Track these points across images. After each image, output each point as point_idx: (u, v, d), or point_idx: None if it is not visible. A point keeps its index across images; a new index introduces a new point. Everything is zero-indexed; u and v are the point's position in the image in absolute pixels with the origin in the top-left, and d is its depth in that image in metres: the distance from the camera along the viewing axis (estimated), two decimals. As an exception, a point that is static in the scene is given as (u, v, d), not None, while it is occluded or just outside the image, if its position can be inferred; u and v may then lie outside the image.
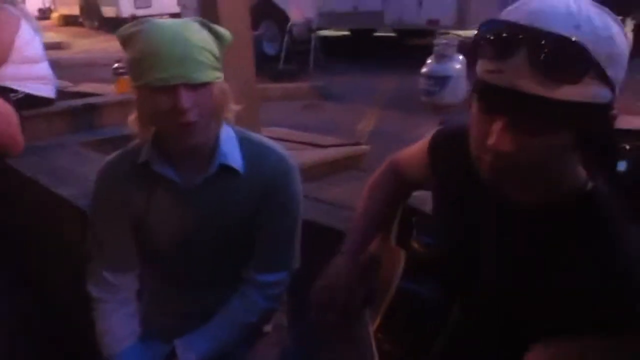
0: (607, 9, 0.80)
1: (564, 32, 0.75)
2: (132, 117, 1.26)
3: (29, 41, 3.16)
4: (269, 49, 8.89)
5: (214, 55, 1.18)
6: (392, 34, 9.39)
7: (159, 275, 1.43)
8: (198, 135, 1.20)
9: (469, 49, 0.83)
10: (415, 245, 1.20)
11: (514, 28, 0.78)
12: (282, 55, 8.24)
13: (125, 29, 1.20)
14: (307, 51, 8.05)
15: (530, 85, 0.76)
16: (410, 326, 1.08)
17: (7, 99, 2.92)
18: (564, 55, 0.75)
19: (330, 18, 8.43)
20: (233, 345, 1.36)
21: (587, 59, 0.75)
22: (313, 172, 2.26)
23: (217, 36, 1.21)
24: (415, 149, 1.23)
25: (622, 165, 1.24)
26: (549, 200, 0.88)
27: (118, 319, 1.38)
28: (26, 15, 3.22)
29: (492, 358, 0.92)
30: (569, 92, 0.76)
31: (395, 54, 8.52)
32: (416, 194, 1.33)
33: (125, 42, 1.20)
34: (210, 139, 1.27)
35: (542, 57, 0.75)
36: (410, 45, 8.78)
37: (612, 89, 0.78)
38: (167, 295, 1.43)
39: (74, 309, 2.01)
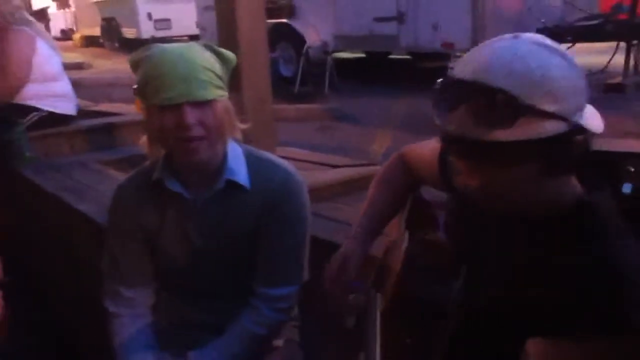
0: (550, 44, 0.88)
1: (495, 84, 0.84)
2: (143, 138, 1.33)
3: (47, 59, 3.23)
4: (285, 71, 9.01)
5: (216, 75, 1.24)
6: (407, 57, 9.46)
7: (170, 288, 1.48)
8: (203, 151, 1.25)
9: (432, 102, 0.94)
10: (425, 234, 1.24)
11: (458, 86, 0.88)
12: (298, 77, 8.34)
13: (135, 55, 1.28)
14: (322, 73, 8.14)
15: (475, 133, 0.85)
16: (415, 311, 1.11)
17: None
18: (493, 106, 0.84)
19: (346, 41, 8.54)
20: (244, 357, 1.39)
21: (514, 106, 0.83)
22: (326, 192, 2.29)
23: (220, 57, 1.27)
24: (427, 151, 1.28)
25: (627, 188, 1.26)
26: (547, 210, 0.93)
27: (133, 333, 1.42)
28: (41, 34, 3.29)
29: (495, 350, 0.95)
30: (509, 134, 0.84)
31: (410, 76, 8.58)
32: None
33: (135, 66, 1.27)
34: (217, 155, 1.32)
35: (477, 109, 0.85)
36: (425, 68, 8.85)
37: (565, 119, 0.85)
38: (178, 308, 1.47)
39: (88, 324, 2.06)
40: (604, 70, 7.07)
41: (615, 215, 0.92)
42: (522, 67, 0.84)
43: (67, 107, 3.34)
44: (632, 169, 1.29)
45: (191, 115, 1.20)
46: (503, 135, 0.84)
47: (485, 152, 0.86)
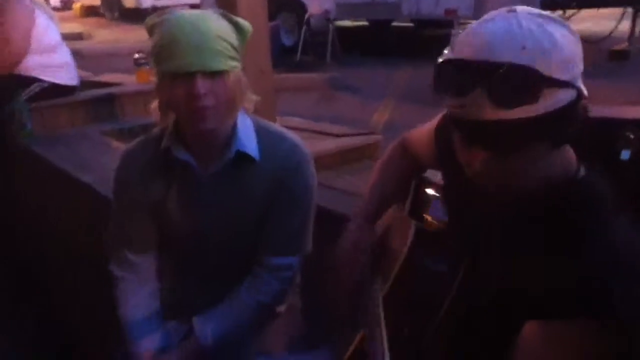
0: (546, 14, 0.86)
1: (512, 59, 0.81)
2: (154, 104, 1.32)
3: (45, 29, 3.20)
4: (287, 40, 8.93)
5: (232, 45, 1.23)
6: (410, 24, 9.36)
7: (176, 258, 1.49)
8: (212, 121, 1.25)
9: (432, 85, 0.90)
10: (429, 218, 1.25)
11: (468, 67, 0.84)
12: (300, 46, 8.27)
13: (151, 18, 1.27)
14: (324, 42, 8.07)
15: (493, 114, 0.82)
16: (415, 296, 1.13)
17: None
18: (517, 83, 0.81)
19: (348, 9, 8.44)
20: (247, 324, 1.41)
21: (538, 79, 0.82)
22: (326, 161, 2.29)
23: (236, 27, 1.26)
24: (425, 129, 1.29)
25: (625, 155, 1.26)
26: (541, 188, 0.91)
27: (139, 296, 1.45)
28: (38, 4, 3.26)
29: (491, 335, 0.95)
30: (530, 110, 0.82)
31: (413, 44, 8.50)
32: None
33: (150, 30, 1.26)
34: (226, 126, 1.32)
35: (497, 90, 0.82)
36: (428, 36, 8.75)
37: (573, 86, 0.84)
38: (183, 278, 1.49)
39: (93, 290, 2.09)
40: (609, 37, 6.97)
41: (606, 195, 0.91)
42: (533, 40, 0.82)
43: (68, 77, 3.32)
44: (631, 136, 1.29)
45: (202, 85, 1.20)
46: (529, 111, 0.82)
47: (508, 134, 0.83)
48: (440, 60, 0.89)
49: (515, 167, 0.88)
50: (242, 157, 1.35)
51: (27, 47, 3.11)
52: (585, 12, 6.66)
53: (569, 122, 0.85)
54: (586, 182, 0.91)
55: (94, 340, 1.57)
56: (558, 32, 0.84)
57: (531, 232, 0.91)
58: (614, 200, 0.90)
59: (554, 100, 0.83)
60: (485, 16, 0.89)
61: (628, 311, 0.79)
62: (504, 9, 0.88)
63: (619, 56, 6.75)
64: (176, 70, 1.20)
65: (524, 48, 0.82)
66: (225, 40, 1.22)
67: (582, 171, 0.92)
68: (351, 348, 1.19)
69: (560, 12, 7.26)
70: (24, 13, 3.09)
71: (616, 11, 7.01)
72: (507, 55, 0.81)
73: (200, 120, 1.24)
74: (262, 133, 1.38)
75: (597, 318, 0.80)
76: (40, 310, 2.75)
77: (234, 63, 1.25)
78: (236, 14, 1.32)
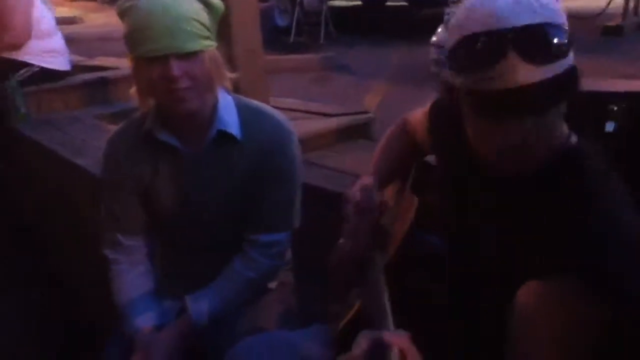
0: None
1: (534, 21, 0.83)
2: (133, 89, 1.33)
3: (42, 14, 3.22)
4: (281, 21, 8.86)
5: (204, 25, 1.24)
6: (404, 4, 9.29)
7: (165, 238, 1.52)
8: (191, 101, 1.26)
9: (448, 64, 0.89)
10: (429, 197, 1.27)
11: (493, 35, 0.84)
12: (293, 27, 8.22)
13: (122, 3, 1.27)
14: (318, 23, 8.03)
15: (528, 76, 0.82)
16: (417, 270, 1.15)
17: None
18: (549, 39, 0.83)
19: (341, -12, 8.37)
20: (239, 300, 1.44)
21: (565, 32, 0.84)
22: (320, 141, 2.31)
23: (208, 6, 1.26)
24: (419, 114, 1.30)
25: (610, 126, 1.29)
26: (545, 158, 0.93)
27: (133, 278, 1.47)
28: None
29: (490, 302, 0.97)
30: (562, 65, 0.84)
31: (407, 24, 8.45)
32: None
33: (122, 15, 1.26)
34: (206, 105, 1.33)
35: (532, 48, 0.82)
36: (422, 15, 8.70)
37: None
38: (174, 258, 1.51)
39: (88, 275, 2.11)
40: (602, 13, 6.95)
41: (598, 160, 0.93)
42: (538, 3, 0.84)
43: (60, 62, 3.32)
44: (615, 108, 1.32)
45: (177, 67, 1.21)
46: (560, 66, 0.83)
47: (546, 93, 0.83)
48: (455, 39, 0.88)
49: (545, 131, 0.88)
50: (224, 136, 1.36)
51: (29, 32, 3.12)
52: (580, -12, 6.63)
53: (577, 82, 0.87)
54: (582, 149, 0.94)
55: (101, 312, 1.59)
56: None
57: (532, 202, 0.93)
58: (605, 164, 0.92)
59: (571, 55, 0.85)
60: None
61: (620, 283, 0.81)
62: None
63: (613, 32, 6.74)
64: (150, 54, 1.21)
65: (535, 12, 0.84)
66: (197, 20, 1.22)
67: (573, 139, 0.95)
68: (346, 319, 1.21)
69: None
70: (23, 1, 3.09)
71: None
72: (524, 19, 0.83)
73: (179, 102, 1.25)
74: (244, 111, 1.39)
75: (591, 283, 0.81)
76: (47, 284, 2.78)
77: (208, 42, 1.26)
78: (227, -2, 1.32)
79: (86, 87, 3.40)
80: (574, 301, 0.82)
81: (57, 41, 3.34)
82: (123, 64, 3.87)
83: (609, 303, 0.80)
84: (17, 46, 3.11)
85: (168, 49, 1.20)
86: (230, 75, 1.35)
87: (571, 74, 0.85)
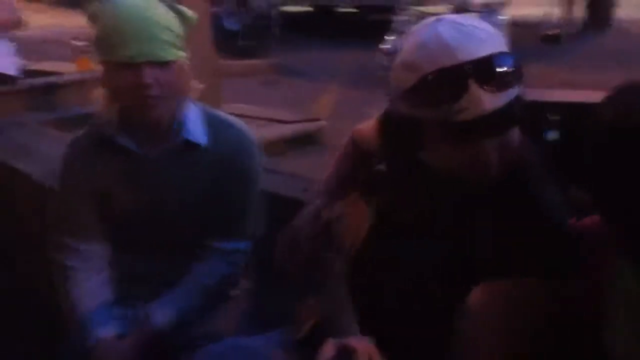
0: (464, 15, 0.96)
1: (486, 51, 0.89)
2: (98, 91, 1.33)
3: None
4: (229, 25, 8.81)
5: (177, 35, 1.25)
6: (354, 10, 9.41)
7: (124, 243, 1.50)
8: (157, 108, 1.27)
9: (415, 103, 0.94)
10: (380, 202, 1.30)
11: (453, 72, 0.89)
12: (241, 31, 8.19)
13: (93, 6, 1.27)
14: (267, 27, 8.02)
15: (493, 103, 0.88)
16: (373, 273, 1.18)
17: None
18: (506, 66, 0.90)
19: (291, -6, 8.40)
20: (199, 308, 1.44)
21: (514, 58, 0.92)
22: (273, 148, 2.33)
23: (181, 16, 1.28)
24: (369, 126, 1.33)
25: (553, 135, 1.36)
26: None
27: (92, 287, 1.44)
28: None
29: (442, 303, 1.01)
30: (516, 89, 0.92)
31: (357, 30, 8.56)
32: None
33: (92, 18, 1.26)
34: (171, 112, 1.34)
35: (492, 79, 0.89)
36: (372, 21, 8.82)
37: None
38: (133, 264, 1.50)
39: (33, 281, 2.06)
40: (542, 21, 7.24)
41: (539, 165, 1.02)
42: (484, 33, 0.91)
43: (5, 66, 3.22)
44: (556, 118, 1.39)
45: (149, 75, 1.21)
46: (516, 90, 0.91)
47: (507, 117, 0.90)
48: (414, 77, 0.92)
49: (507, 147, 0.94)
50: (189, 145, 1.37)
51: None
52: (521, -2, 6.89)
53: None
54: (526, 153, 1.00)
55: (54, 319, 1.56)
56: (484, 23, 0.94)
57: (486, 204, 0.99)
58: (542, 171, 1.01)
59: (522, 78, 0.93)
60: (418, 30, 0.95)
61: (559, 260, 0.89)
62: (431, 20, 0.95)
63: (552, 40, 7.02)
64: (123, 60, 1.21)
65: (484, 41, 0.90)
66: (171, 30, 1.24)
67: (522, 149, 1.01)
68: (308, 323, 1.23)
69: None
70: None
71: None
72: (477, 50, 0.89)
73: (146, 109, 1.26)
74: (209, 120, 1.41)
75: (537, 274, 0.88)
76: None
77: (180, 52, 1.27)
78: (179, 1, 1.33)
79: (31, 92, 3.32)
80: (518, 300, 0.89)
81: (2, 44, 3.25)
82: (69, 69, 3.80)
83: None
84: None
85: (142, 57, 1.20)
86: (197, 85, 1.37)
87: (522, 94, 0.93)
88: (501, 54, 0.90)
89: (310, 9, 10.00)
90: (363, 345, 0.83)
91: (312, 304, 1.25)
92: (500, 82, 0.89)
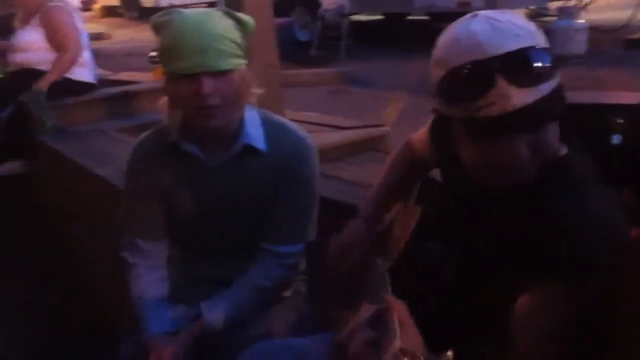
0: (507, 11, 0.92)
1: (518, 46, 0.86)
2: (162, 100, 1.38)
3: (80, 31, 3.37)
4: (301, 36, 8.96)
5: (235, 43, 1.28)
6: (425, 17, 9.33)
7: (185, 245, 1.55)
8: (219, 118, 1.30)
9: (443, 97, 0.92)
10: (431, 208, 1.30)
11: (481, 65, 0.87)
12: (314, 41, 8.30)
13: (156, 17, 1.32)
14: (338, 37, 8.09)
15: (521, 99, 0.85)
16: (416, 274, 1.18)
17: None
18: (537, 61, 0.86)
19: (362, 3, 8.44)
20: (252, 308, 1.47)
21: (550, 54, 0.88)
22: (333, 153, 2.34)
23: (240, 24, 1.30)
24: (423, 131, 1.33)
25: (616, 139, 1.30)
26: (528, 174, 0.95)
27: (149, 282, 1.51)
28: (73, 8, 3.50)
29: (486, 305, 1.00)
30: (547, 86, 0.87)
31: (427, 37, 8.46)
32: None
33: (157, 30, 1.31)
34: (233, 121, 1.37)
35: (521, 73, 0.85)
36: (442, 29, 8.71)
37: None
38: (192, 264, 1.55)
39: (106, 282, 2.16)
40: (626, 26, 6.90)
41: (584, 169, 0.96)
42: (520, 28, 0.88)
43: (84, 74, 3.43)
44: (621, 121, 1.33)
45: (208, 85, 1.24)
46: (548, 87, 0.87)
47: (538, 113, 0.87)
48: (443, 72, 0.91)
49: (538, 146, 0.91)
50: (249, 150, 1.40)
51: (80, 49, 3.31)
52: (602, 1, 6.59)
53: (564, 98, 0.91)
54: (564, 158, 0.96)
55: (117, 314, 1.64)
56: (523, 19, 0.91)
57: (521, 213, 0.95)
58: (589, 174, 0.95)
59: (558, 74, 0.89)
60: (452, 26, 0.94)
61: (598, 265, 0.84)
62: (467, 16, 0.93)
63: (636, 44, 6.68)
64: (182, 71, 1.25)
65: (517, 36, 0.87)
66: (229, 38, 1.26)
67: (563, 150, 0.97)
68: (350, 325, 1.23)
69: (575, 1, 7.20)
70: (69, 19, 3.28)
71: (633, 0, 6.93)
72: (508, 45, 0.86)
73: (208, 119, 1.29)
74: (268, 126, 1.43)
75: (576, 283, 0.85)
76: (65, 282, 2.86)
77: (239, 60, 1.29)
78: (242, 10, 1.37)
79: (110, 100, 3.49)
80: (558, 308, 0.87)
81: (87, 56, 3.46)
82: (145, 78, 3.98)
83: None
84: (73, 63, 3.28)
85: (200, 68, 1.23)
86: (257, 91, 1.38)
87: (559, 91, 0.89)
88: (533, 48, 0.87)
89: (381, 17, 10.01)
90: (397, 306, 0.84)
91: (359, 308, 1.25)
92: (531, 78, 0.86)
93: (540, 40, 0.89)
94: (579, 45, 6.19)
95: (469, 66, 0.87)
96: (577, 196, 0.91)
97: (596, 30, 6.93)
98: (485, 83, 0.86)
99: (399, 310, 0.83)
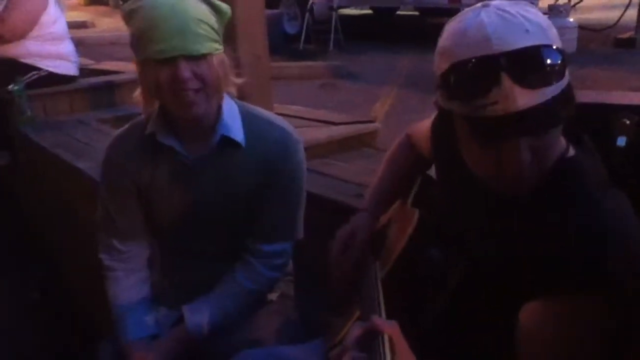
0: (514, 2, 0.85)
1: (526, 43, 0.80)
2: (137, 92, 1.31)
3: (56, 20, 3.27)
4: (290, 28, 8.89)
5: (212, 28, 1.22)
6: (415, 13, 9.31)
7: (166, 245, 1.48)
8: (199, 105, 1.24)
9: (444, 93, 0.86)
10: (429, 210, 1.25)
11: (487, 62, 0.81)
12: (303, 35, 8.23)
13: (127, 5, 1.25)
14: (327, 30, 8.04)
15: (526, 101, 0.80)
16: (414, 281, 1.12)
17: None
18: (543, 63, 0.80)
19: (351, -3, 8.39)
20: (238, 311, 1.40)
21: (560, 54, 0.82)
22: (323, 149, 2.28)
23: (215, 9, 1.24)
24: (424, 125, 1.27)
25: (621, 141, 1.25)
26: (535, 179, 0.90)
27: (129, 285, 1.44)
28: None
29: (488, 318, 0.95)
30: (555, 88, 0.81)
31: (417, 32, 8.45)
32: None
33: (128, 18, 1.24)
34: (212, 110, 1.31)
35: (527, 75, 0.80)
36: (432, 24, 8.70)
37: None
38: (174, 266, 1.48)
39: (85, 279, 2.09)
40: (615, 25, 6.93)
41: (597, 171, 0.91)
42: (529, 23, 0.82)
43: (68, 67, 3.35)
44: (627, 122, 1.28)
45: (186, 69, 1.19)
46: (556, 88, 0.81)
47: (543, 116, 0.81)
48: (446, 66, 0.85)
49: (543, 152, 0.85)
50: (227, 142, 1.33)
51: (26, 30, 3.15)
52: (591, 1, 6.61)
53: (574, 98, 0.85)
54: (574, 160, 0.91)
55: (97, 314, 1.58)
56: (536, 13, 0.85)
57: (530, 217, 0.90)
58: (602, 177, 0.90)
59: (566, 73, 0.83)
60: (461, 16, 0.88)
61: (623, 278, 0.79)
62: (477, 6, 0.87)
63: (625, 44, 6.71)
64: (158, 55, 1.18)
65: (527, 31, 0.81)
66: (205, 22, 1.20)
67: (571, 151, 0.92)
68: (343, 332, 1.18)
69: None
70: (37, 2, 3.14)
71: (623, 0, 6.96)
72: (516, 42, 0.80)
73: (187, 106, 1.23)
74: (249, 118, 1.37)
75: (592, 289, 0.80)
76: (45, 277, 2.80)
77: (216, 45, 1.23)
78: (233, 3, 1.30)
79: (92, 90, 3.40)
80: (576, 317, 0.82)
81: (67, 46, 3.37)
82: (129, 68, 3.89)
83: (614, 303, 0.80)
84: (6, 40, 3.13)
85: (177, 50, 1.18)
86: (236, 80, 1.33)
87: (568, 94, 0.83)
88: (543, 47, 0.81)
89: (370, 12, 9.96)
90: (388, 327, 0.79)
91: (350, 313, 1.20)
92: (538, 79, 0.80)
93: (551, 37, 0.83)
94: (568, 44, 6.21)
95: (473, 61, 0.82)
96: (590, 203, 0.86)
97: (585, 30, 6.96)
98: (489, 81, 0.80)
99: (391, 333, 0.78)
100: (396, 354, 0.76)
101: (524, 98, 0.79)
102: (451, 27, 0.88)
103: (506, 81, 0.79)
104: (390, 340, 0.78)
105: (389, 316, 1.00)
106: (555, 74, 0.81)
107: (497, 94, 0.80)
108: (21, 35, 3.14)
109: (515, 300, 0.87)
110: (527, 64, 0.80)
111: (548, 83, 0.80)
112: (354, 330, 0.80)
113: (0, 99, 3.01)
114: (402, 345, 0.79)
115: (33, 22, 3.16)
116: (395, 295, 1.08)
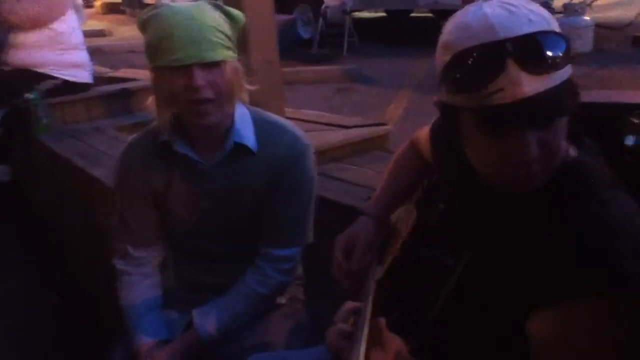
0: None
1: (530, 30, 0.79)
2: (150, 100, 1.32)
3: (75, 29, 3.32)
4: (304, 33, 8.92)
5: (226, 35, 1.23)
6: (429, 15, 9.26)
7: (178, 249, 1.50)
8: (213, 113, 1.25)
9: (450, 81, 0.85)
10: (432, 210, 1.24)
11: (493, 48, 0.80)
12: (316, 39, 8.25)
13: (143, 14, 1.27)
14: (341, 34, 8.05)
15: (532, 87, 0.78)
16: (410, 283, 1.12)
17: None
18: (548, 48, 0.79)
19: (365, 0, 8.39)
20: (247, 315, 1.42)
21: (563, 39, 0.81)
22: (336, 153, 2.28)
23: (229, 17, 1.26)
24: (427, 130, 1.27)
25: (630, 140, 1.24)
26: (539, 178, 0.88)
27: (141, 290, 1.46)
28: (76, 6, 3.41)
29: (491, 323, 0.94)
30: (559, 77, 0.80)
31: (431, 35, 8.41)
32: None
33: (143, 26, 1.26)
34: (226, 117, 1.32)
35: (533, 60, 0.79)
36: (447, 26, 8.65)
37: None
38: (186, 269, 1.50)
39: (105, 285, 2.11)
40: (632, 23, 6.83)
41: (601, 172, 0.90)
42: (533, 13, 0.81)
43: (83, 75, 3.39)
44: (636, 121, 1.26)
45: (200, 77, 1.20)
46: (563, 75, 0.80)
47: (550, 103, 0.79)
48: (449, 58, 0.84)
49: (548, 146, 0.83)
50: (240, 148, 1.35)
51: (47, 17, 3.17)
52: (607, -1, 6.54)
53: (578, 93, 0.85)
54: (578, 162, 0.90)
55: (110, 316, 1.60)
56: (539, 7, 0.84)
57: (532, 212, 0.89)
58: (606, 178, 0.89)
59: (569, 66, 0.82)
60: (463, 11, 0.87)
61: (637, 278, 0.77)
62: (479, 1, 0.86)
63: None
64: (173, 63, 1.20)
65: (531, 20, 0.80)
66: (219, 30, 1.22)
67: (572, 152, 0.91)
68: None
69: (581, -2, 7.13)
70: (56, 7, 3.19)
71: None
72: (521, 29, 0.79)
73: (202, 115, 1.24)
74: (260, 124, 1.38)
75: (607, 290, 0.79)
76: (60, 281, 2.85)
77: (230, 53, 1.25)
78: (242, 6, 1.32)
79: (108, 98, 3.43)
80: (587, 325, 0.80)
81: (83, 55, 3.42)
82: (145, 76, 3.93)
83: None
84: (28, 28, 3.15)
85: (192, 58, 1.19)
86: (249, 87, 1.34)
87: (572, 83, 0.82)
88: (548, 33, 0.80)
89: (383, 14, 9.95)
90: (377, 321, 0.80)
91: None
92: (544, 64, 0.79)
93: (555, 27, 0.83)
94: (584, 43, 6.12)
95: (478, 48, 0.81)
96: (599, 202, 0.84)
97: (602, 28, 6.87)
98: (494, 67, 0.79)
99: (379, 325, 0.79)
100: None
101: (531, 84, 0.78)
102: (453, 22, 0.87)
103: (512, 67, 0.78)
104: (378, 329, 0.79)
105: (389, 316, 1.01)
106: (561, 60, 0.80)
107: (504, 80, 0.78)
108: (44, 22, 3.17)
109: (519, 301, 0.86)
110: (533, 49, 0.79)
111: (554, 69, 0.79)
112: (344, 306, 0.82)
113: (18, 107, 3.06)
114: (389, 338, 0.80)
115: (60, 11, 3.20)
116: (390, 294, 1.09)
